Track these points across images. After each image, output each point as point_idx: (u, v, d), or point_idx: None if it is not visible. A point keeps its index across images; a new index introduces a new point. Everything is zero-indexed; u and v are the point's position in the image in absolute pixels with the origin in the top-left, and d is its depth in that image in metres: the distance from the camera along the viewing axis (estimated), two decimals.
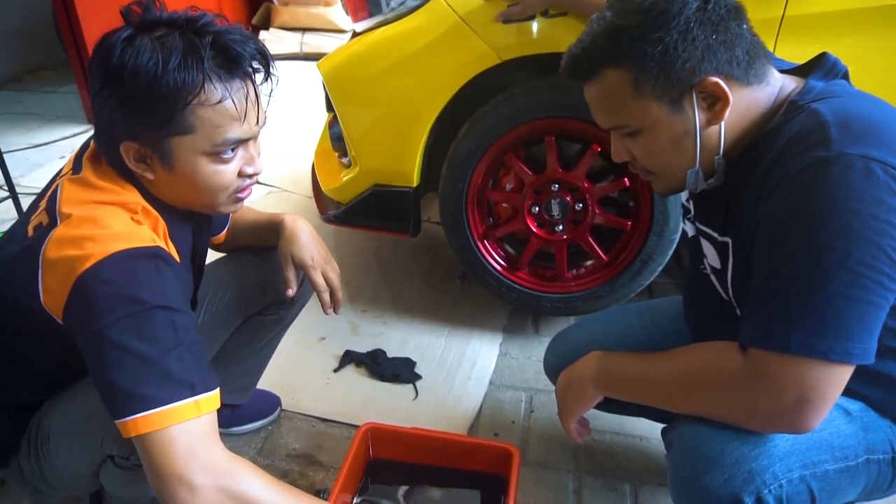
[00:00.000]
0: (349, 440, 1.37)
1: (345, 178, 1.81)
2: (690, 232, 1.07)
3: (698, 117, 0.85)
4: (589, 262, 1.79)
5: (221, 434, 1.54)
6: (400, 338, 1.92)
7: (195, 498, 0.79)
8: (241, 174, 0.96)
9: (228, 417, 1.53)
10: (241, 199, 1.00)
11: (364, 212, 1.80)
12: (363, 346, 1.86)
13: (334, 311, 1.24)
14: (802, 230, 0.76)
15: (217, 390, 0.87)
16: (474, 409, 1.66)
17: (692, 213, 1.03)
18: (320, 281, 1.19)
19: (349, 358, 1.80)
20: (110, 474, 1.00)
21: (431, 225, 2.55)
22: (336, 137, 1.89)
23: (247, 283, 1.30)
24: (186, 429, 0.81)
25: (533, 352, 1.88)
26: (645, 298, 1.74)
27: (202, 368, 0.86)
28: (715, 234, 0.94)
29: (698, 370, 0.87)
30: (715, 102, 0.85)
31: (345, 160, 1.89)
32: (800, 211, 0.76)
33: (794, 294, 0.76)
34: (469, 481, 1.39)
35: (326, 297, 1.21)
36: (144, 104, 0.85)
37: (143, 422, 0.79)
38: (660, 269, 1.70)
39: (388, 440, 1.38)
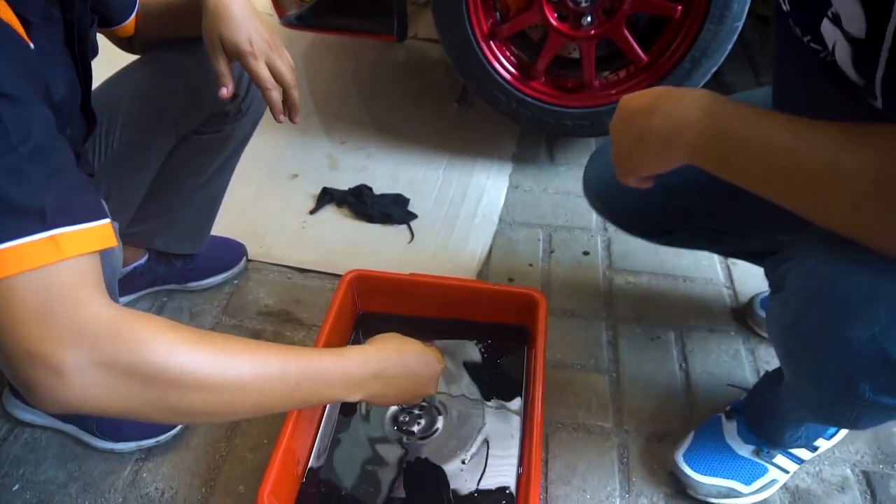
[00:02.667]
0: (332, 293, 1.09)
1: None
2: None
3: None
4: (623, 66, 1.43)
5: (176, 291, 1.31)
6: (388, 172, 1.60)
7: (66, 384, 0.50)
8: None
9: (182, 271, 1.24)
10: None
11: (334, 9, 1.40)
12: (344, 183, 1.53)
13: (290, 118, 0.91)
14: None
15: (97, 223, 0.55)
16: (482, 251, 1.37)
17: None
18: (263, 72, 0.85)
19: (328, 196, 1.49)
20: None
21: (421, 42, 2.14)
22: None
23: (170, 90, 0.95)
24: (37, 280, 0.49)
25: (549, 183, 1.57)
26: None
27: (63, 188, 0.53)
28: None
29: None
30: None
31: None
32: None
33: None
34: (482, 335, 1.13)
35: (275, 95, 0.87)
36: None
37: None
38: (714, 69, 1.34)
39: (380, 290, 1.10)
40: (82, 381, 0.51)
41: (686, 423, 1.06)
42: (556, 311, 1.24)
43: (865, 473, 1.00)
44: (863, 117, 0.60)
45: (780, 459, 0.95)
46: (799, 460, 0.96)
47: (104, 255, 0.60)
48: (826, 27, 0.64)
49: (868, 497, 0.98)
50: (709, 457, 0.96)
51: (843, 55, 0.62)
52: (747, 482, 0.94)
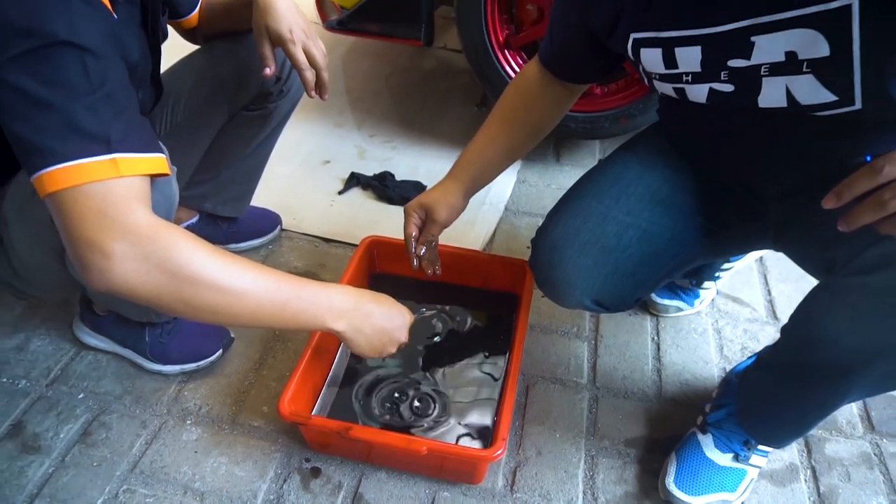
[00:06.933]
0: None
1: None
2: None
3: None
4: (622, 77, 1.60)
5: None
6: (410, 162, 1.78)
7: (111, 266, 0.67)
8: None
9: (226, 233, 1.44)
10: None
11: (370, 15, 1.59)
12: (370, 170, 1.72)
13: (319, 95, 1.08)
14: None
15: (152, 155, 0.73)
16: (487, 232, 1.54)
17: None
18: (300, 56, 1.02)
19: (355, 180, 1.68)
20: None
21: (449, 52, 2.34)
22: None
23: (222, 73, 1.14)
24: (98, 189, 0.66)
25: (553, 179, 1.74)
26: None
27: (125, 124, 0.71)
28: (816, 8, 0.65)
29: None
30: None
31: None
32: None
33: None
34: (480, 299, 1.30)
35: (309, 75, 1.04)
36: None
37: (48, 179, 0.66)
38: None
39: (393, 254, 1.28)
40: (123, 267, 0.68)
41: (652, 385, 1.21)
42: None
43: (805, 437, 1.14)
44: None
45: (753, 459, 1.02)
46: (767, 453, 1.04)
47: (159, 187, 0.78)
48: (769, 90, 0.73)
49: (805, 455, 1.11)
50: (696, 476, 1.01)
51: (805, 88, 0.71)
52: (733, 489, 1.01)
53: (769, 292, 1.42)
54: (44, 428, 1.10)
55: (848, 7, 0.64)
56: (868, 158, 0.59)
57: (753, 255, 1.44)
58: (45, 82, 0.66)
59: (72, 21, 0.67)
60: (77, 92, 0.67)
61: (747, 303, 1.39)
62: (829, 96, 0.70)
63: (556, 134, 1.75)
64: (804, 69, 0.70)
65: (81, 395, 1.16)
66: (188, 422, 1.12)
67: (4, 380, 1.17)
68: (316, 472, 1.05)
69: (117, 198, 0.68)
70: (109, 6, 0.76)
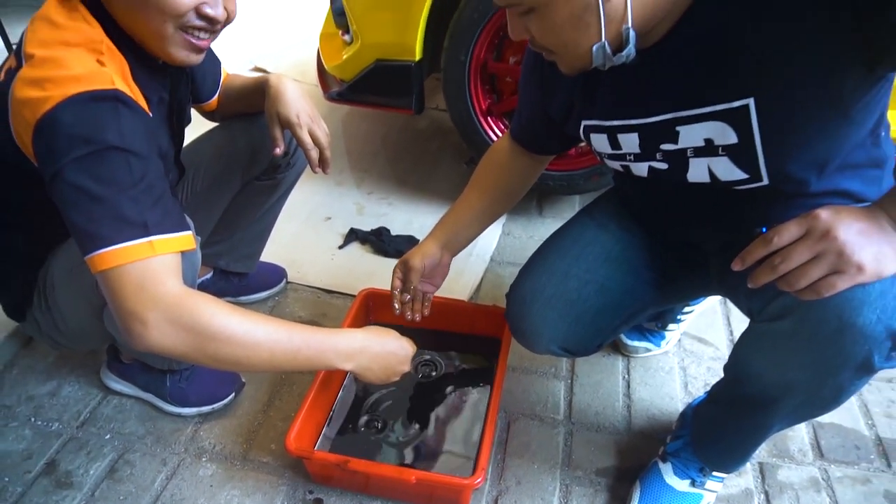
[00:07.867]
0: None
1: (347, 55, 1.78)
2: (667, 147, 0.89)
3: None
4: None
5: (231, 302, 1.64)
6: (404, 218, 1.94)
7: (148, 332, 0.81)
8: (199, 12, 0.91)
9: (237, 287, 1.58)
10: (198, 49, 0.95)
11: (367, 88, 1.77)
12: (368, 226, 1.88)
13: (323, 170, 1.23)
14: None
15: (181, 234, 0.87)
16: (474, 282, 1.69)
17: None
18: (307, 138, 1.18)
19: (354, 235, 1.83)
20: (109, 318, 1.05)
21: (440, 112, 2.52)
22: (338, 13, 1.84)
23: (237, 149, 1.31)
24: (138, 267, 0.81)
25: (535, 231, 1.89)
26: None
27: (161, 211, 0.85)
28: (721, 106, 0.80)
29: None
30: None
31: (347, 37, 1.84)
32: None
33: None
34: (467, 344, 1.44)
35: (314, 154, 1.20)
36: None
37: (98, 259, 0.80)
38: None
39: (387, 304, 1.41)
40: (158, 331, 0.82)
41: (622, 419, 1.34)
42: None
43: (760, 464, 1.26)
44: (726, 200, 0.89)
45: (709, 484, 1.14)
46: (722, 479, 1.16)
47: (186, 255, 0.93)
48: (694, 168, 0.88)
49: (759, 481, 1.23)
50: (657, 502, 1.13)
51: (722, 167, 0.86)
52: None
53: (731, 332, 1.55)
54: (75, 465, 1.23)
55: (746, 106, 0.79)
56: (763, 230, 0.73)
57: (715, 299, 1.58)
58: (98, 180, 0.81)
59: (121, 129, 0.83)
60: (122, 186, 0.82)
61: (711, 342, 1.53)
62: (741, 174, 0.86)
63: (538, 190, 1.92)
64: (720, 152, 0.85)
65: (108, 436, 1.29)
66: (204, 459, 1.25)
67: (39, 422, 1.31)
68: (319, 503, 1.18)
69: (152, 273, 0.82)
70: (146, 108, 0.93)
